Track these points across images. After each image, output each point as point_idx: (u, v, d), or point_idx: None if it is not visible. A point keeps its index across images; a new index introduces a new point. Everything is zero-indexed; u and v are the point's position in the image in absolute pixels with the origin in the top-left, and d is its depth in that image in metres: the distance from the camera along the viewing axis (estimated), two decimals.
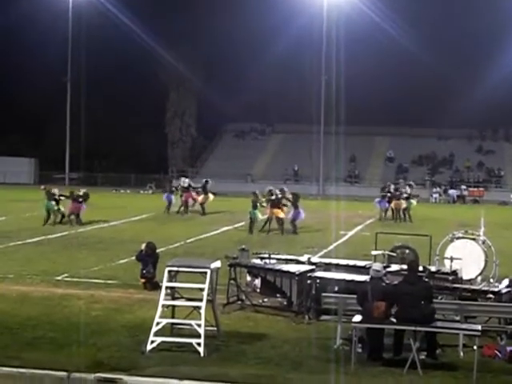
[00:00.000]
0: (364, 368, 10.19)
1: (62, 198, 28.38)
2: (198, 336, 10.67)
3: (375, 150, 69.39)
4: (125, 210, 35.75)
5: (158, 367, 9.95)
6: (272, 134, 73.58)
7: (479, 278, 15.38)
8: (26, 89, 65.10)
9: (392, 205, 33.60)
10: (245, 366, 10.17)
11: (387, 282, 11.55)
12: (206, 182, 34.99)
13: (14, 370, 9.78)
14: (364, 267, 13.80)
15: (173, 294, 11.50)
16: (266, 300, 14.16)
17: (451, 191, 57.85)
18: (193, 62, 67.88)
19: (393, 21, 58.82)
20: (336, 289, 12.72)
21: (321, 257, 18.09)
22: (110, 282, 16.21)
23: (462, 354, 10.83)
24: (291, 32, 58.29)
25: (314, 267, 13.91)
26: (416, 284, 10.82)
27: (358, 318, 10.68)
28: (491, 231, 26.14)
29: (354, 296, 11.27)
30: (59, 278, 16.56)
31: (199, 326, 10.77)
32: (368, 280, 11.49)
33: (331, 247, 22.80)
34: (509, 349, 10.76)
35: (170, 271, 11.35)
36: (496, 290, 12.83)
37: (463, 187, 58.40)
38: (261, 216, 27.37)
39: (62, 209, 28.35)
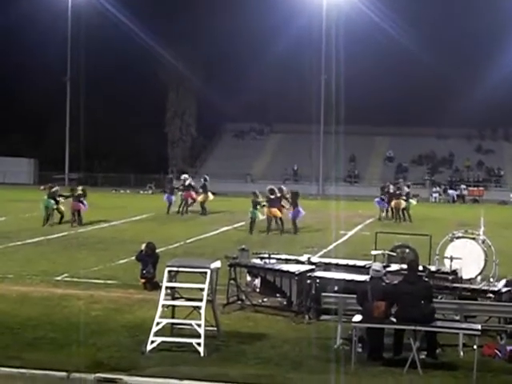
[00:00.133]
0: (364, 368, 10.19)
1: (61, 198, 28.36)
2: (198, 336, 10.67)
3: (375, 150, 69.40)
4: (125, 210, 35.75)
5: (158, 367, 9.95)
6: (271, 133, 73.61)
7: (479, 278, 15.38)
8: (27, 88, 65.20)
9: (392, 204, 33.62)
10: (245, 365, 10.17)
11: (387, 281, 11.55)
12: (205, 179, 35.00)
13: (15, 370, 9.78)
14: (364, 267, 13.80)
15: (173, 294, 11.50)
16: (265, 300, 14.17)
17: (451, 191, 57.86)
18: (193, 61, 67.90)
19: (392, 20, 58.89)
20: (336, 288, 12.72)
21: (321, 256, 18.09)
22: (109, 282, 16.21)
23: (461, 353, 10.84)
24: (291, 32, 58.34)
25: (313, 267, 13.91)
26: (416, 284, 10.82)
27: (357, 317, 10.68)
28: (491, 231, 26.14)
29: (354, 296, 11.27)
30: (59, 278, 16.56)
31: (199, 326, 10.77)
32: (368, 280, 11.50)
33: (331, 247, 22.80)
34: (509, 348, 10.76)
35: (169, 271, 11.35)
36: (496, 289, 12.83)
37: (463, 187, 58.45)
38: (261, 216, 27.35)
39: (62, 208, 28.33)
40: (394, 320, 10.59)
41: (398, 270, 13.42)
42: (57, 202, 28.03)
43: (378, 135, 69.35)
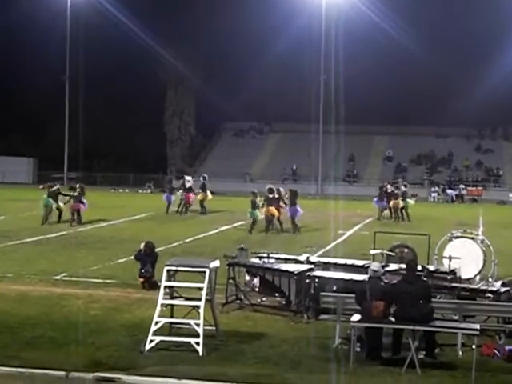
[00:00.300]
0: (363, 367, 10.20)
1: (62, 197, 28.36)
2: (197, 335, 10.66)
3: (374, 149, 69.44)
4: (124, 210, 35.75)
5: (157, 366, 9.95)
6: (271, 133, 73.62)
7: (478, 278, 15.39)
8: (26, 88, 65.14)
9: (390, 204, 33.63)
10: (243, 365, 10.17)
11: (386, 281, 11.55)
12: (204, 178, 35.01)
13: (14, 369, 9.78)
14: (362, 266, 13.79)
15: (171, 293, 11.50)
16: (264, 299, 14.17)
17: (450, 190, 57.86)
18: (192, 61, 67.89)
19: (392, 20, 58.93)
20: (334, 288, 12.72)
21: (319, 256, 18.08)
22: (108, 281, 16.21)
23: (460, 353, 10.83)
24: (290, 32, 58.38)
25: (312, 266, 13.91)
26: (415, 283, 10.82)
27: (356, 317, 10.68)
28: (490, 230, 26.16)
29: (353, 295, 11.28)
30: (58, 277, 16.55)
31: (198, 325, 10.77)
32: (366, 279, 11.49)
33: (330, 246, 22.80)
34: (507, 348, 10.76)
35: (168, 270, 11.35)
36: (494, 289, 12.84)
37: (462, 186, 58.45)
38: (260, 215, 27.34)
39: (62, 205, 28.34)
40: (393, 320, 10.59)
41: (396, 270, 13.42)
42: (56, 201, 28.05)
43: (377, 135, 69.39)
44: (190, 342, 10.68)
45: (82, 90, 64.82)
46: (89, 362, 9.99)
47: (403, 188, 34.63)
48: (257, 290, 14.23)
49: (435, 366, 10.37)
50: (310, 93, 60.38)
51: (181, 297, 11.56)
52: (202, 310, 10.88)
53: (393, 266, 13.87)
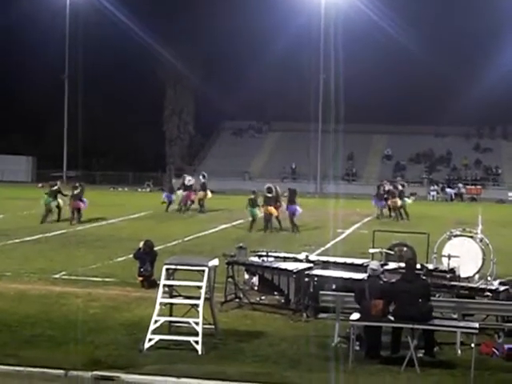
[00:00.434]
0: (362, 366, 10.20)
1: (62, 194, 28.38)
2: (196, 334, 10.66)
3: (373, 148, 69.43)
4: (123, 208, 35.74)
5: (156, 365, 9.95)
6: (270, 131, 73.59)
7: (477, 276, 15.38)
8: (25, 87, 65.07)
9: (389, 203, 33.65)
10: (242, 363, 10.18)
11: (385, 279, 11.55)
12: (204, 177, 35.01)
13: (11, 368, 9.77)
14: (362, 265, 13.79)
15: (170, 292, 11.50)
16: (263, 298, 14.17)
17: (449, 189, 57.86)
18: (191, 59, 67.79)
19: (391, 19, 58.89)
20: (334, 287, 12.71)
21: (318, 255, 18.09)
22: (107, 279, 16.21)
23: (459, 351, 10.84)
24: (289, 31, 58.35)
25: (311, 265, 13.92)
26: (414, 282, 10.82)
27: (355, 315, 10.68)
28: (489, 229, 26.15)
29: (352, 294, 11.28)
30: (57, 276, 16.55)
31: (197, 324, 10.76)
32: (366, 278, 11.49)
33: (329, 245, 22.80)
34: (506, 346, 10.76)
35: (167, 269, 11.35)
36: (493, 287, 12.85)
37: (461, 185, 58.44)
38: (259, 213, 27.37)
39: (61, 202, 28.34)
40: (392, 318, 10.60)
41: (395, 269, 13.42)
42: (56, 200, 28.05)
43: (376, 133, 69.35)
44: (189, 341, 10.68)
45: (82, 89, 64.76)
46: (88, 361, 9.99)
47: (400, 187, 34.62)
48: (256, 288, 14.23)
49: (434, 364, 10.38)
50: (309, 92, 60.34)
51: (180, 295, 11.56)
52: (201, 309, 10.87)
53: (392, 265, 13.87)
